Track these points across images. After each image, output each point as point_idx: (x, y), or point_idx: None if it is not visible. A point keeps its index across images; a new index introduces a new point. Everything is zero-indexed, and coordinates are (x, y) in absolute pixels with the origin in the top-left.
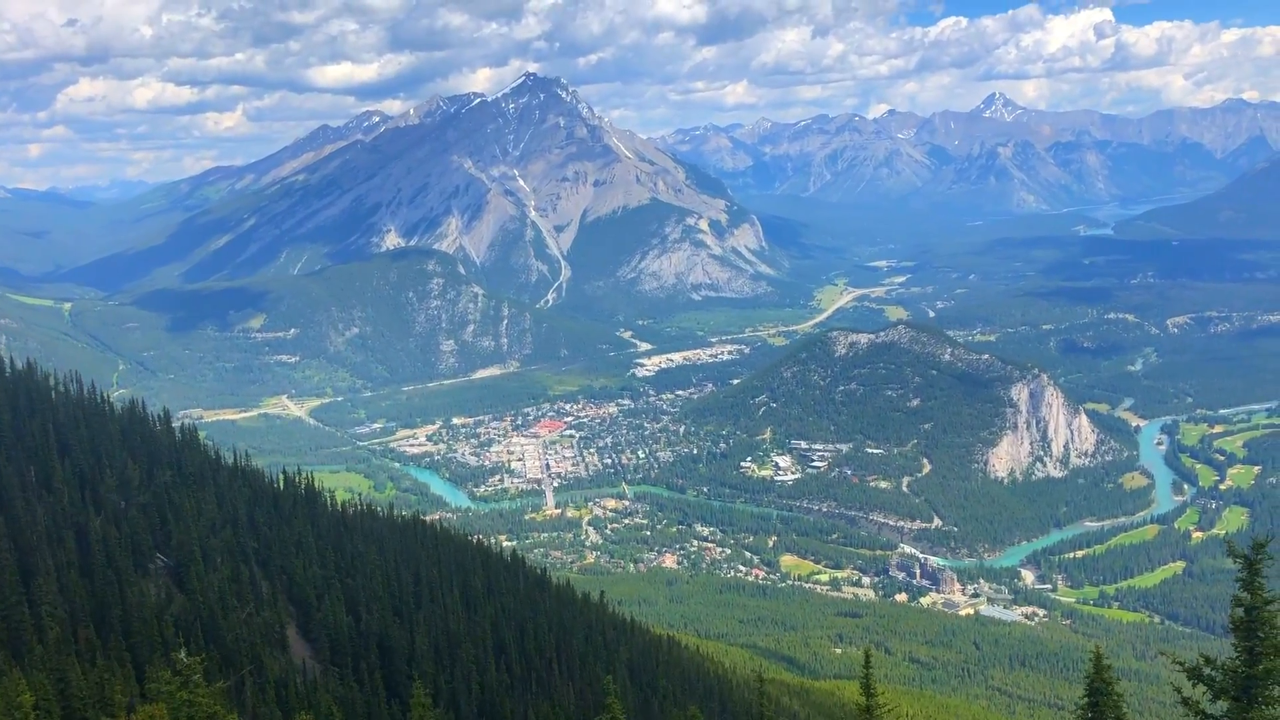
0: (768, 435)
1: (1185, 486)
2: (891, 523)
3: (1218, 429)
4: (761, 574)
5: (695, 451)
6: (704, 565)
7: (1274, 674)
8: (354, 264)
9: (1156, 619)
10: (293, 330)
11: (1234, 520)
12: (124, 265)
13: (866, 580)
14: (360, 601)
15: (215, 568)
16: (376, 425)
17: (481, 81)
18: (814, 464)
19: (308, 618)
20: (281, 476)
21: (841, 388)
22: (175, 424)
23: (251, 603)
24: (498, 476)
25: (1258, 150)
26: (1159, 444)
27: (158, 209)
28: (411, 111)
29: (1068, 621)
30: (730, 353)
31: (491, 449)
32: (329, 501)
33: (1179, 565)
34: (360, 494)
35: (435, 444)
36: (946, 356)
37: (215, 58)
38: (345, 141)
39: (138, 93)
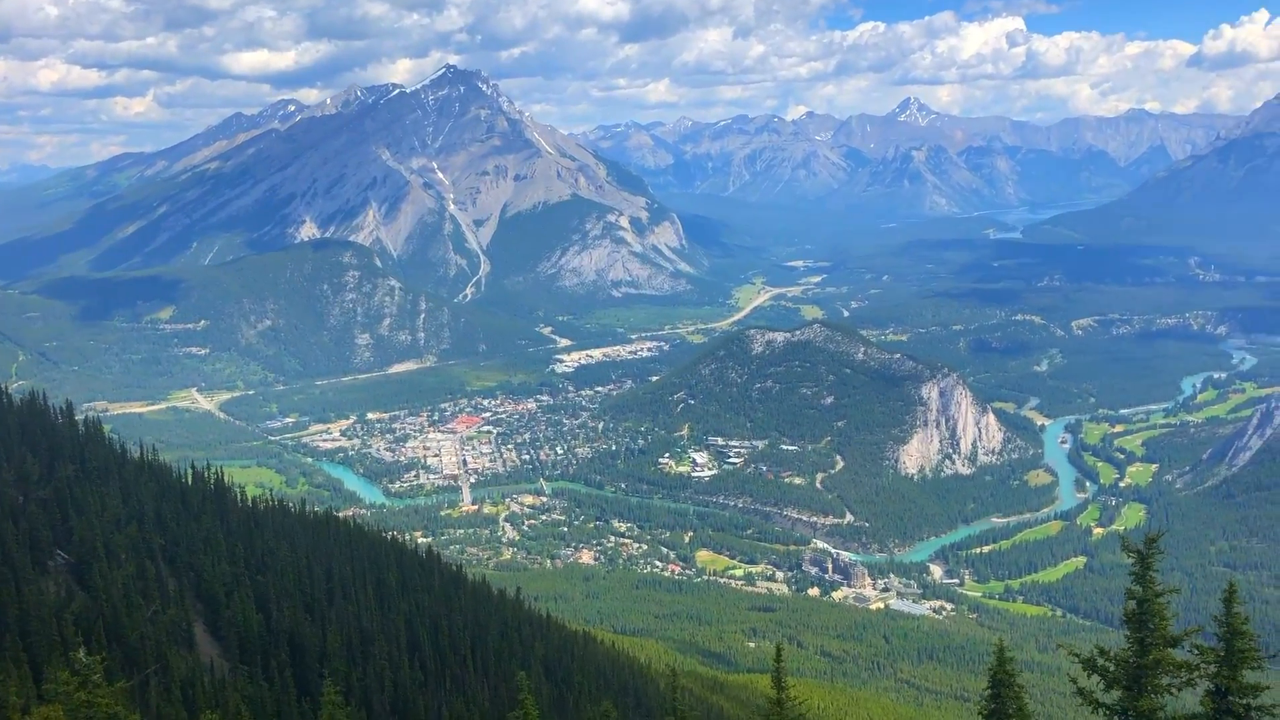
0: (685, 432)
1: (1087, 484)
2: (805, 518)
3: (1118, 428)
4: (678, 569)
5: (613, 448)
6: (621, 561)
7: (1163, 664)
8: (268, 255)
9: (1059, 612)
10: (203, 322)
11: (1133, 516)
12: (26, 252)
13: (780, 575)
14: (271, 599)
15: (119, 565)
16: (289, 419)
17: (401, 73)
18: (730, 460)
19: (216, 615)
20: (190, 471)
21: (758, 385)
22: (78, 417)
23: (157, 600)
24: (413, 472)
25: (1158, 159)
26: (1063, 442)
27: (63, 195)
28: (329, 101)
29: (974, 615)
30: (649, 350)
31: (407, 444)
32: (239, 497)
33: (1080, 560)
34: (272, 489)
35: (349, 439)
36: (860, 355)
37: (125, 40)
38: (260, 130)
39: (41, 74)
